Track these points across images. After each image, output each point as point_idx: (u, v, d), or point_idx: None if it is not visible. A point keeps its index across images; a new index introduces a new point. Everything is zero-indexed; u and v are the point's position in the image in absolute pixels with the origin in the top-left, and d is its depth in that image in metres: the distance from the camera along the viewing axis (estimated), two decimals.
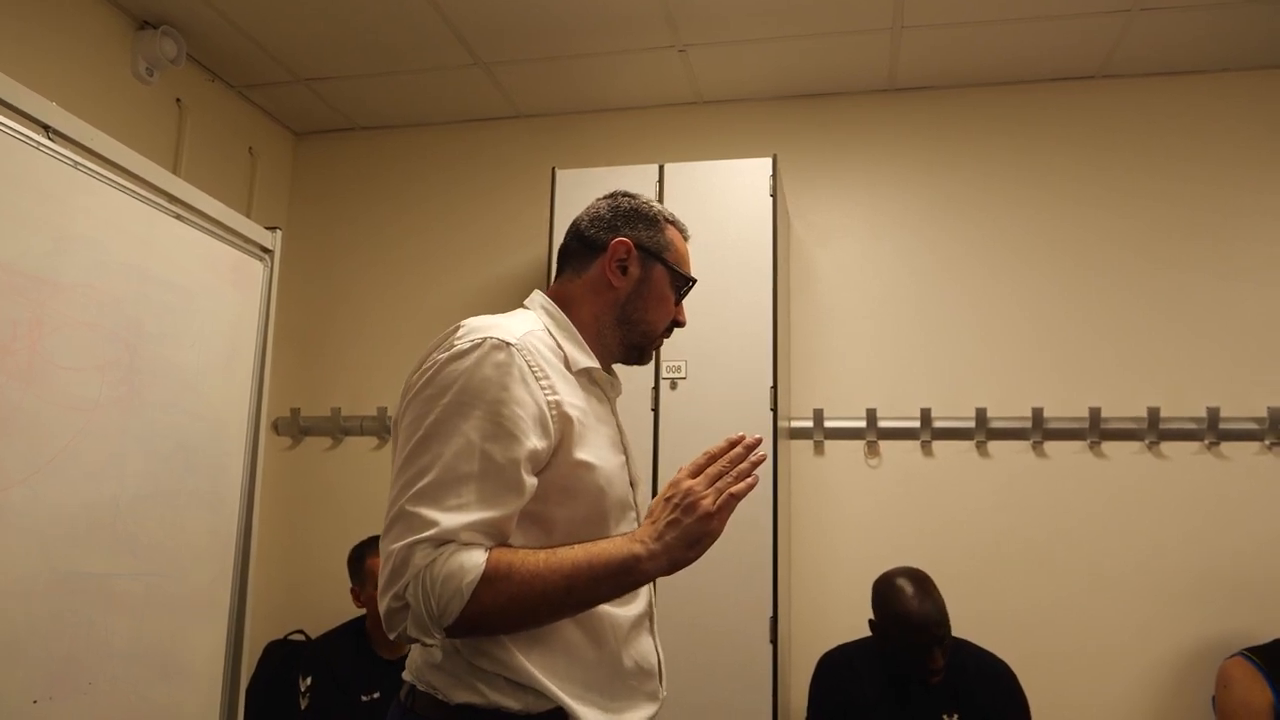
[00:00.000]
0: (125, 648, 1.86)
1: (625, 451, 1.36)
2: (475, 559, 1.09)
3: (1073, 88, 3.07)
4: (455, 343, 1.19)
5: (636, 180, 2.71)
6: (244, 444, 2.27)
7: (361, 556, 2.68)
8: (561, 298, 1.37)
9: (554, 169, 2.81)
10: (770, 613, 2.44)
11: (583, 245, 1.40)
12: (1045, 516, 2.84)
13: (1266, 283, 2.84)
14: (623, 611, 1.26)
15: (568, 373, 1.27)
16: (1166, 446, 2.81)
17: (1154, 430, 2.79)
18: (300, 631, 3.09)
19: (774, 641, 2.43)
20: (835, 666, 2.37)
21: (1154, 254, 2.92)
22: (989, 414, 2.89)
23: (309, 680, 2.50)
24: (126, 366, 1.90)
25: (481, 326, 1.22)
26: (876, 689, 2.28)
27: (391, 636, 1.11)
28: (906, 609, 2.16)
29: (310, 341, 3.43)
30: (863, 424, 2.96)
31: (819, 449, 3.00)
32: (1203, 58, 2.93)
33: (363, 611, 2.70)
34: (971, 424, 2.90)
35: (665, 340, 1.43)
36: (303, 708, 2.48)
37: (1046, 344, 2.94)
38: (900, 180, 3.13)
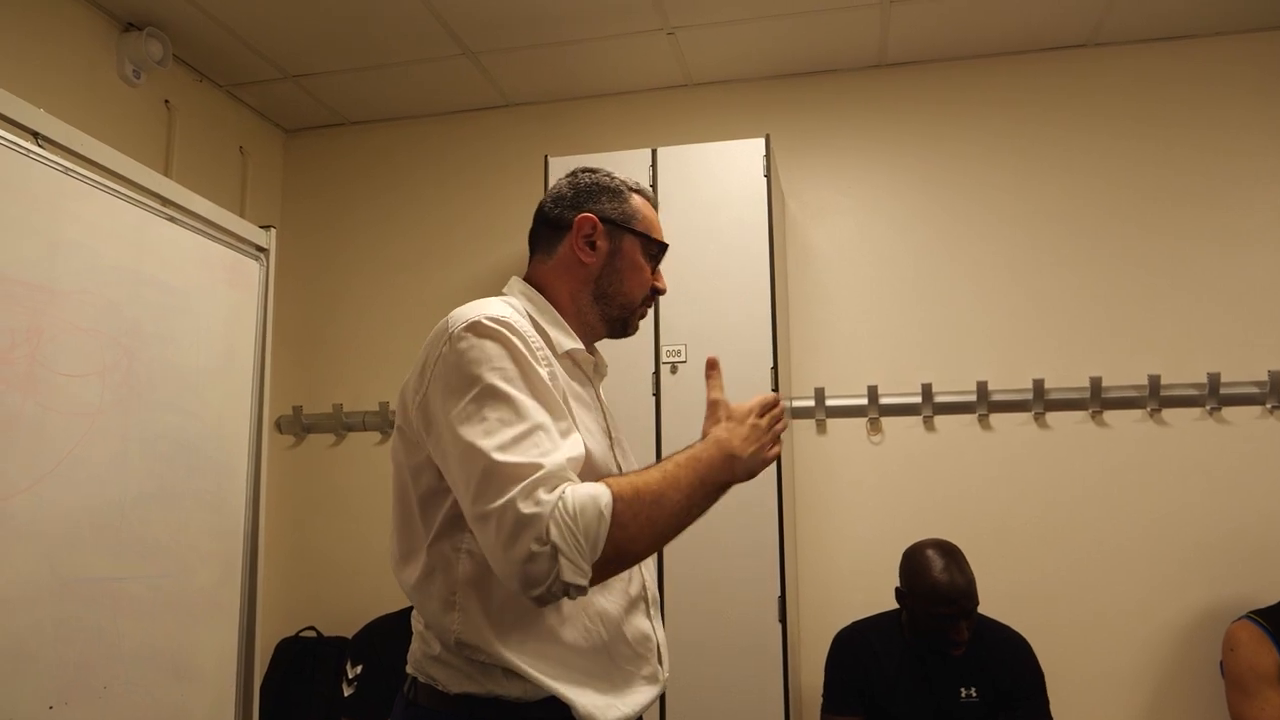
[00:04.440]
0: (137, 651, 1.86)
1: (610, 434, 1.36)
2: (598, 486, 1.08)
3: (1064, 57, 3.06)
4: (453, 330, 1.18)
5: (630, 165, 2.71)
6: (247, 443, 2.28)
7: None
8: (537, 281, 1.36)
9: (546, 157, 2.80)
10: (778, 592, 2.45)
11: (548, 226, 1.38)
12: (1048, 487, 2.85)
13: (1264, 247, 2.84)
14: (612, 599, 1.25)
15: (552, 356, 1.27)
16: (1168, 413, 2.81)
17: (1155, 398, 2.79)
18: (311, 628, 3.11)
19: (783, 620, 2.44)
20: (851, 643, 2.38)
21: (1150, 221, 2.92)
22: (990, 387, 2.89)
23: (358, 668, 2.49)
24: (126, 370, 1.90)
25: (471, 309, 1.21)
26: (894, 664, 2.29)
27: (535, 594, 1.04)
28: (936, 579, 2.17)
29: (309, 339, 3.43)
30: (864, 401, 2.96)
31: (821, 428, 3.01)
32: (1193, 22, 2.91)
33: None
34: (973, 397, 2.90)
35: (648, 309, 1.42)
36: (346, 694, 2.46)
37: (1045, 314, 2.93)
38: (894, 155, 3.12)
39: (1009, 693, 2.24)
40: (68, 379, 1.75)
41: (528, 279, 1.38)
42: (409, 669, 1.27)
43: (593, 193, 1.36)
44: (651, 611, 1.34)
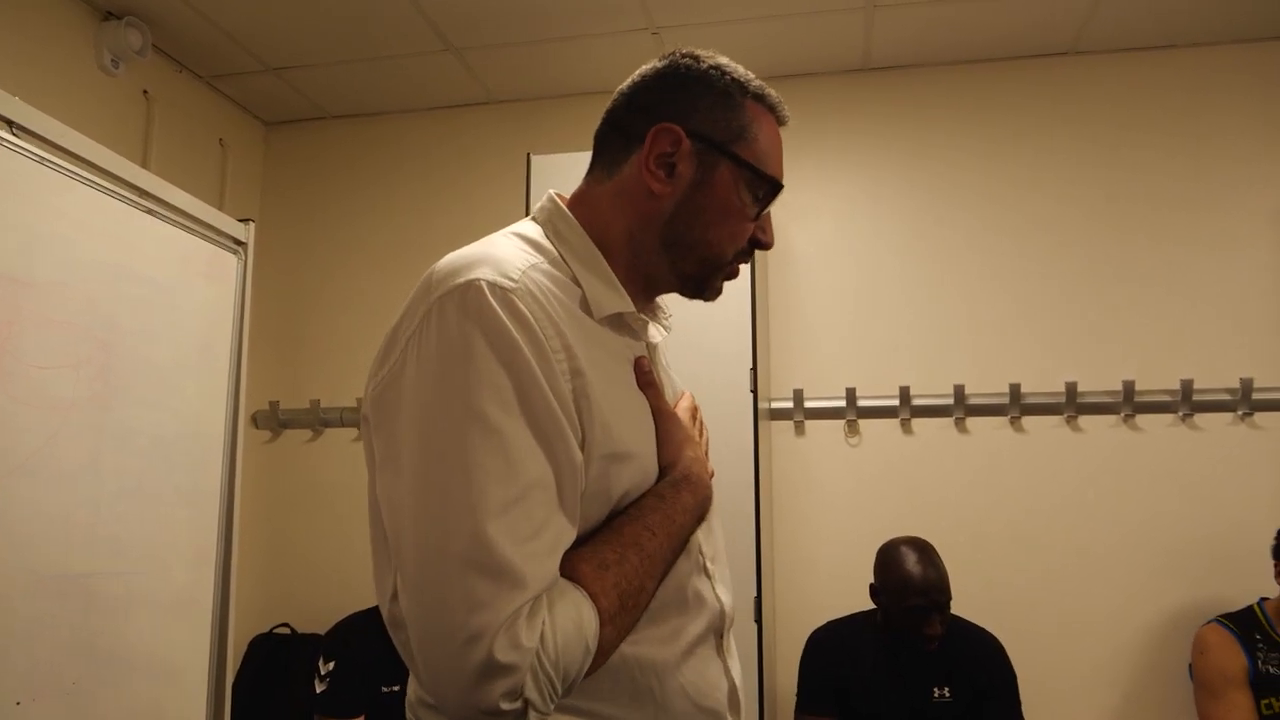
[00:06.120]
0: (108, 648, 1.85)
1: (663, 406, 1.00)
2: (583, 605, 0.81)
3: (1045, 64, 3.08)
4: (437, 294, 0.84)
5: None
6: (223, 438, 2.26)
7: None
8: (586, 206, 0.99)
9: (529, 155, 2.80)
10: (754, 592, 2.46)
11: (616, 132, 1.00)
12: (1024, 491, 2.87)
13: (1237, 253, 2.87)
14: (666, 644, 0.93)
15: (586, 318, 0.91)
16: (1141, 419, 2.84)
17: (1129, 403, 2.82)
18: (285, 625, 3.09)
19: (759, 621, 2.45)
20: (825, 643, 2.40)
21: (1125, 226, 2.95)
22: (967, 390, 2.91)
23: (330, 665, 2.47)
24: (101, 364, 1.88)
25: (465, 263, 0.86)
26: (868, 664, 2.30)
27: None
28: (908, 572, 2.20)
29: (287, 334, 3.41)
30: (842, 403, 2.98)
31: (799, 429, 3.02)
32: (1172, 33, 2.95)
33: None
34: (950, 401, 2.92)
35: (741, 265, 1.04)
36: (318, 691, 2.45)
37: (1023, 319, 2.96)
38: (876, 159, 3.14)
39: (982, 692, 2.26)
40: (41, 371, 1.73)
41: (573, 203, 1.01)
42: (409, 715, 0.96)
43: (688, 91, 0.97)
44: (725, 645, 1.02)
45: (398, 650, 0.88)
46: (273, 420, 3.34)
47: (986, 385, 2.92)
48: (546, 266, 0.91)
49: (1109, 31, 2.94)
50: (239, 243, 2.36)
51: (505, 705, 0.75)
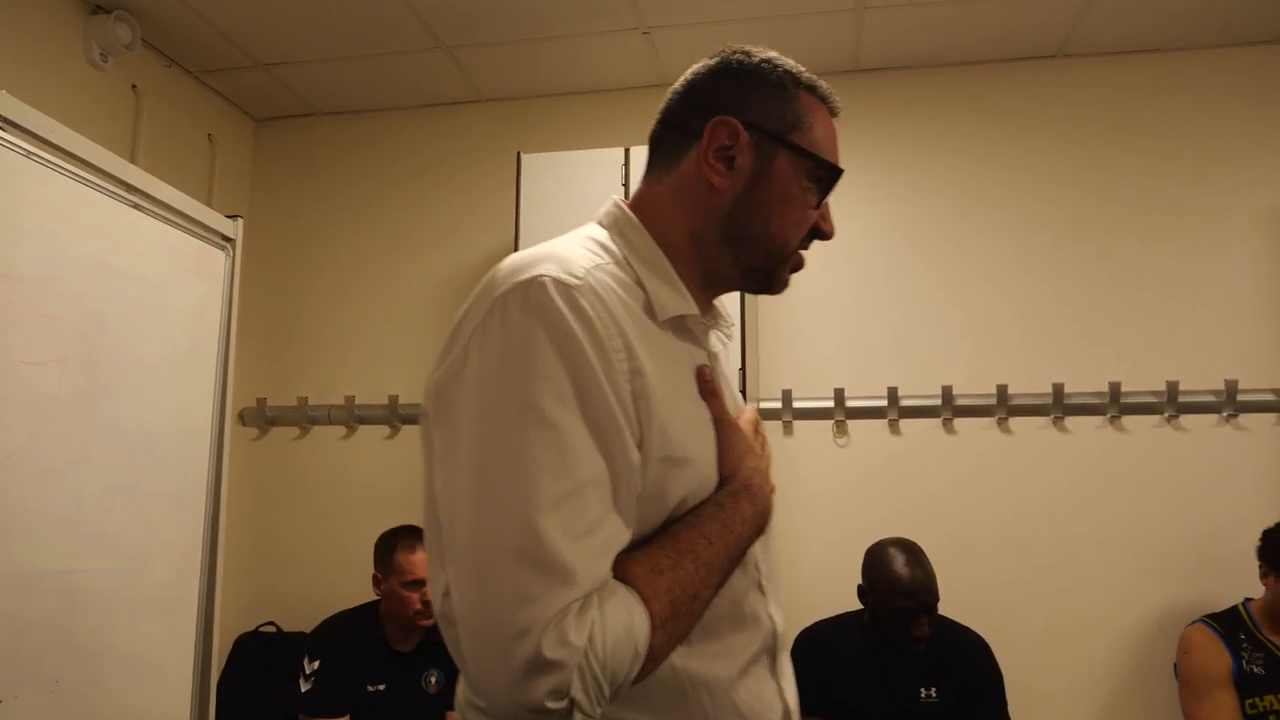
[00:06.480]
0: (93, 645, 1.84)
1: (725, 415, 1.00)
2: (634, 607, 0.80)
3: (1034, 67, 3.09)
4: (500, 290, 0.85)
5: (601, 164, 2.70)
6: (209, 435, 2.25)
7: (392, 547, 2.53)
8: (646, 208, 1.01)
9: (519, 153, 2.80)
10: None
11: (673, 130, 1.01)
12: (1011, 492, 2.88)
13: (1225, 257, 2.89)
14: (721, 660, 0.92)
15: (649, 321, 0.92)
16: (1128, 420, 2.86)
17: (1115, 404, 2.84)
18: (271, 623, 3.07)
19: None
20: (812, 643, 2.40)
21: (1115, 230, 2.96)
22: (955, 391, 2.92)
23: (315, 664, 2.45)
24: (87, 360, 1.87)
25: (529, 261, 0.87)
26: (855, 664, 2.31)
27: None
28: (896, 573, 2.21)
29: (275, 331, 3.39)
30: (831, 404, 2.98)
31: (788, 429, 3.02)
32: (1160, 37, 2.97)
33: (377, 598, 2.62)
34: (938, 402, 2.93)
35: (804, 252, 1.03)
36: (303, 690, 2.44)
37: (1011, 320, 2.97)
38: (865, 160, 3.15)
39: (969, 692, 2.27)
40: (26, 366, 1.72)
41: (634, 205, 1.02)
42: (456, 716, 0.95)
43: (742, 84, 0.99)
44: (777, 664, 1.02)
45: (446, 647, 0.87)
46: (260, 417, 3.33)
47: (974, 386, 2.93)
48: (611, 267, 0.92)
49: (1098, 35, 2.96)
50: (227, 239, 2.35)
51: (551, 704, 0.74)
